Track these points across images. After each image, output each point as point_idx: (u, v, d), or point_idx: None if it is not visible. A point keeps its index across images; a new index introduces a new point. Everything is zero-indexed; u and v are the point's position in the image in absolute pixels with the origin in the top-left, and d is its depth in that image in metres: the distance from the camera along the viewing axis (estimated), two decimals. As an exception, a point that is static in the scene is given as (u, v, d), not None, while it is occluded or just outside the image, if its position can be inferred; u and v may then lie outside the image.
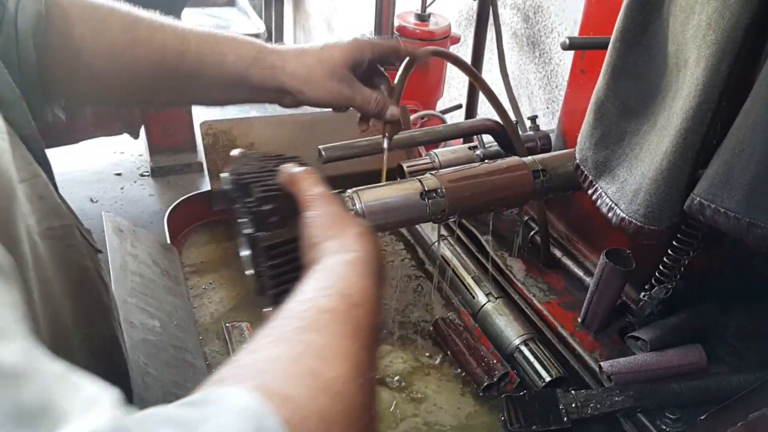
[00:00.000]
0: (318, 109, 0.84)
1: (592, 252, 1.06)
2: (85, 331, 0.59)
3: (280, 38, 4.97)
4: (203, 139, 1.15)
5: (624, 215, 0.67)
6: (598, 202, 0.72)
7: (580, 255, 1.07)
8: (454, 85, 2.41)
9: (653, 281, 0.89)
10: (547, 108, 1.93)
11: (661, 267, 0.87)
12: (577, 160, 0.76)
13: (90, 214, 2.77)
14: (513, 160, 0.81)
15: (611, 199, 0.69)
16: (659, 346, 0.86)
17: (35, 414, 0.30)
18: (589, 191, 0.74)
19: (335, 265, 0.54)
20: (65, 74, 0.76)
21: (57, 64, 0.74)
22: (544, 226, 1.03)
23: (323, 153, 0.92)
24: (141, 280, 0.86)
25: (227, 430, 0.32)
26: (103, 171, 3.17)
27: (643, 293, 0.90)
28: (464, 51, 2.27)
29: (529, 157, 0.82)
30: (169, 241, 1.05)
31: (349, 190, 0.76)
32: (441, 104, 2.28)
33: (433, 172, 0.79)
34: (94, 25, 0.75)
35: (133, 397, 0.67)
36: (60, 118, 0.77)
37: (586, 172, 0.74)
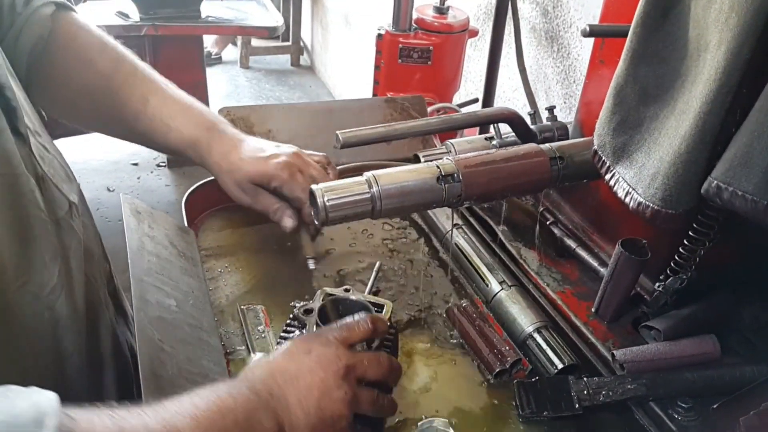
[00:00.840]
0: (314, 92, 0.95)
1: (607, 243, 1.06)
2: (27, 277, 0.62)
3: (297, 32, 5.00)
4: (221, 125, 1.16)
5: (641, 199, 0.67)
6: (616, 187, 0.72)
7: (594, 246, 1.07)
8: (471, 79, 2.41)
9: (668, 272, 0.89)
10: (564, 103, 1.93)
11: (676, 257, 0.86)
12: (596, 146, 0.76)
13: (107, 203, 2.82)
14: (530, 146, 0.82)
15: (629, 184, 0.69)
16: (673, 336, 0.86)
17: None
18: (607, 176, 0.74)
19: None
20: (46, 96, 0.87)
21: (42, 85, 0.85)
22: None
23: (341, 138, 0.93)
24: (158, 260, 0.87)
25: (13, 407, 0.42)
26: (120, 161, 3.23)
27: (657, 284, 0.90)
28: (482, 45, 2.28)
29: (547, 144, 0.83)
30: (185, 224, 1.07)
31: (367, 173, 0.77)
32: (457, 98, 2.28)
33: (450, 157, 0.80)
34: (81, 62, 0.86)
35: (141, 370, 0.69)
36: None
37: (604, 158, 0.74)
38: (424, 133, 0.97)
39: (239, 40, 5.03)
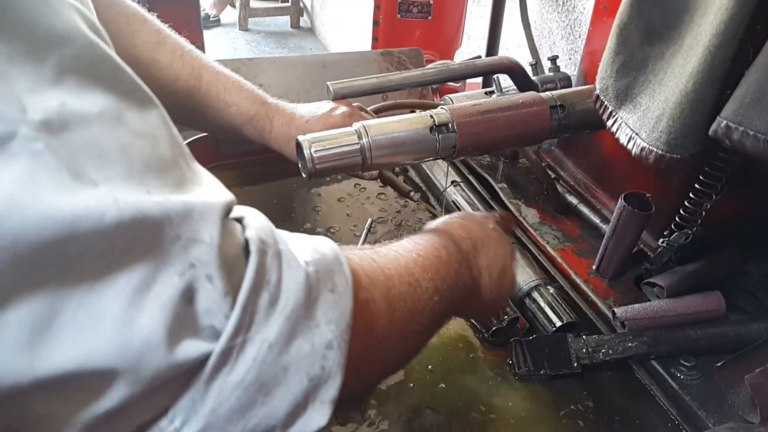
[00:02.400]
0: (321, 49, 0.90)
1: (610, 199, 1.02)
2: None
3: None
4: (211, 79, 1.12)
5: (645, 144, 0.63)
6: (618, 132, 0.68)
7: (597, 203, 1.04)
8: (473, 36, 2.34)
9: (673, 227, 0.85)
10: (570, 58, 1.87)
11: (681, 212, 0.83)
12: (598, 90, 0.72)
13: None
14: (529, 94, 0.78)
15: (632, 129, 0.66)
16: (676, 292, 0.83)
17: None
18: (609, 122, 0.70)
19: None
20: None
21: None
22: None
23: (332, 89, 0.89)
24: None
25: (318, 248, 0.45)
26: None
27: (661, 239, 0.87)
28: (485, 0, 2.20)
29: (548, 93, 0.79)
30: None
31: (356, 123, 0.73)
32: (459, 56, 2.22)
33: (445, 106, 0.76)
34: (124, 32, 0.81)
35: None
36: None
37: (606, 102, 0.70)
38: (420, 83, 0.92)
39: (238, 1, 4.92)
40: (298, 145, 0.70)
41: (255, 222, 0.42)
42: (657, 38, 0.63)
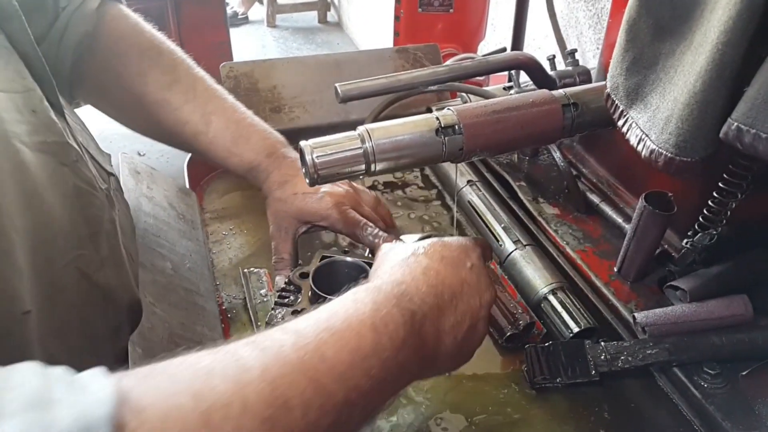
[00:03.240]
0: (342, 50, 0.88)
1: (633, 198, 0.98)
2: (76, 253, 0.58)
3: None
4: (224, 83, 1.12)
5: (654, 147, 0.59)
6: (629, 133, 0.65)
7: (620, 201, 1.00)
8: (498, 27, 2.29)
9: (696, 227, 0.81)
10: (597, 49, 1.82)
11: (705, 211, 0.79)
12: (608, 89, 0.68)
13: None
14: (541, 92, 0.75)
15: (642, 130, 0.62)
16: (700, 296, 0.79)
17: None
18: (620, 122, 0.67)
19: (346, 301, 0.50)
20: (95, 95, 0.85)
21: (91, 84, 0.82)
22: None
23: (340, 91, 0.87)
24: (155, 221, 0.84)
25: (52, 427, 0.31)
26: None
27: (685, 240, 0.83)
28: (508, -9, 2.15)
29: (560, 90, 0.75)
30: (188, 187, 1.03)
31: (360, 127, 0.71)
32: (483, 48, 2.17)
33: (452, 107, 0.73)
34: (134, 70, 0.82)
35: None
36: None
37: (617, 101, 0.67)
38: (431, 83, 0.90)
39: (266, -2, 4.94)
40: (300, 152, 0.69)
41: None
42: (667, 34, 0.60)
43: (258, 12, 5.16)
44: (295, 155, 0.88)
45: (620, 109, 0.67)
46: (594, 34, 1.85)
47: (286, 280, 0.77)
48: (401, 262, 0.58)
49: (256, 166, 0.87)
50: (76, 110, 0.79)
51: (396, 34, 1.95)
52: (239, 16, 4.94)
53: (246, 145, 0.87)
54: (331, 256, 0.78)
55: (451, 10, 1.88)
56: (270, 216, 0.88)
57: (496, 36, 2.36)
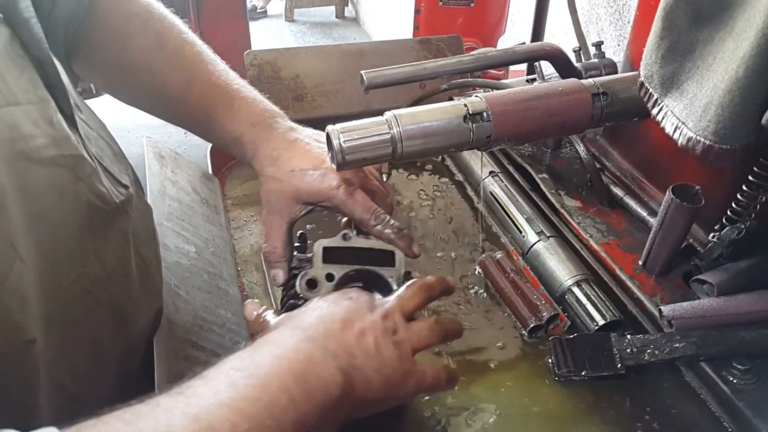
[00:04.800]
0: (366, 39, 0.84)
1: (658, 191, 0.97)
2: (80, 271, 0.55)
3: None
4: (248, 70, 1.12)
5: (691, 134, 0.58)
6: (663, 122, 0.64)
7: (644, 195, 0.99)
8: (518, 22, 2.28)
9: (724, 221, 0.80)
10: (618, 45, 1.80)
11: (733, 205, 0.78)
12: (642, 77, 0.67)
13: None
14: (570, 81, 0.74)
15: (678, 118, 0.61)
16: (728, 290, 0.78)
17: None
18: (654, 111, 0.66)
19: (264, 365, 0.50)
20: (89, 69, 0.80)
21: (84, 58, 0.77)
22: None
23: (365, 78, 0.87)
24: (179, 205, 0.84)
25: None
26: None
27: (712, 234, 0.82)
28: (530, -15, 2.14)
29: (590, 80, 0.74)
30: (211, 173, 1.04)
31: (388, 113, 0.71)
32: (503, 43, 2.16)
33: (480, 94, 0.73)
34: (121, 38, 0.77)
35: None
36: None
37: (651, 90, 0.66)
38: (456, 71, 0.89)
39: (284, -7, 4.95)
40: (327, 136, 0.68)
41: None
42: (706, 21, 0.58)
43: (276, 6, 5.17)
44: (288, 125, 0.79)
45: (654, 97, 0.66)
46: (615, 30, 1.83)
47: (292, 285, 0.71)
48: (288, 317, 0.61)
49: (239, 137, 0.77)
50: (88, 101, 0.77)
51: (416, 27, 1.94)
52: (258, 10, 4.96)
53: (228, 113, 0.78)
54: (337, 247, 0.72)
55: (472, 4, 1.87)
56: (263, 197, 0.78)
57: (515, 32, 2.34)
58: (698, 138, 0.58)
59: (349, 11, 5.15)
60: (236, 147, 0.78)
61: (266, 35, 4.70)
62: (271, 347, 0.52)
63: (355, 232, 0.74)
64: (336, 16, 5.12)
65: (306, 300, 0.66)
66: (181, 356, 0.63)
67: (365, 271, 0.71)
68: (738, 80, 0.53)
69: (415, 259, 0.75)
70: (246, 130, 0.77)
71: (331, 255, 0.71)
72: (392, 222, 0.74)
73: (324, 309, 0.59)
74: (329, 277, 0.69)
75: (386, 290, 0.71)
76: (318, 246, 0.71)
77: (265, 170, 0.76)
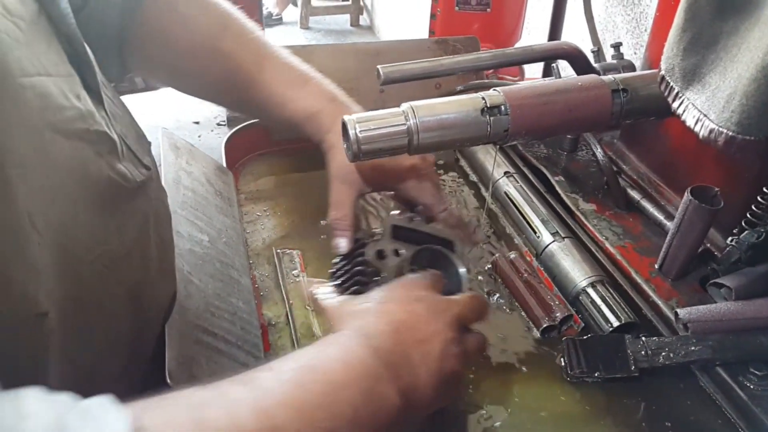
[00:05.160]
0: (381, 38, 0.84)
1: (675, 195, 0.96)
2: (102, 248, 0.54)
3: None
4: (264, 66, 1.12)
5: (713, 126, 0.57)
6: (684, 114, 0.63)
7: (661, 198, 0.98)
8: (533, 29, 2.28)
9: (743, 224, 0.79)
10: (635, 53, 1.79)
11: (753, 208, 0.77)
12: (663, 71, 0.66)
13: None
14: (590, 77, 0.73)
15: (699, 110, 0.60)
16: (746, 295, 0.76)
17: None
18: (675, 104, 0.65)
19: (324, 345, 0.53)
20: (145, 59, 0.79)
21: (139, 47, 0.76)
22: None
23: (382, 73, 0.87)
24: (193, 195, 0.84)
25: None
26: (182, 119, 3.28)
27: (730, 238, 0.81)
28: (547, -7, 2.14)
29: (609, 76, 0.74)
30: (225, 166, 1.04)
31: (405, 104, 0.70)
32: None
33: (499, 88, 0.72)
34: (181, 22, 0.76)
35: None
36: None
37: (672, 83, 0.65)
38: (474, 68, 0.89)
39: (299, 0, 4.98)
40: (343, 125, 0.68)
41: None
42: (731, 11, 0.58)
43: (292, 14, 5.21)
44: (358, 105, 0.81)
45: (675, 90, 0.65)
46: (632, 38, 1.82)
47: (356, 256, 0.71)
48: (353, 312, 0.60)
49: (317, 112, 0.77)
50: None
51: (431, 32, 1.94)
52: (274, 17, 4.99)
53: (304, 90, 0.78)
54: (403, 227, 0.73)
55: (488, 9, 1.87)
56: (333, 169, 0.78)
57: (531, 39, 2.34)
58: (721, 129, 0.57)
59: (363, 19, 5.18)
60: (311, 123, 0.78)
61: (281, 41, 4.72)
62: (339, 353, 0.52)
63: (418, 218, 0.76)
64: (351, 24, 5.15)
65: (372, 269, 0.69)
66: (192, 340, 0.62)
67: (433, 251, 0.73)
68: (764, 68, 0.52)
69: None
70: (325, 105, 0.78)
71: (398, 232, 0.73)
72: (455, 211, 0.77)
73: (393, 315, 0.58)
74: (396, 252, 0.71)
75: (450, 272, 0.72)
76: (388, 221, 0.73)
77: (340, 143, 0.76)
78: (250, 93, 0.79)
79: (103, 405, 0.37)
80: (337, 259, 0.74)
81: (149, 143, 0.70)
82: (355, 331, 0.55)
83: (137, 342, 0.62)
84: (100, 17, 0.70)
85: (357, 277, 0.69)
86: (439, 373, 0.56)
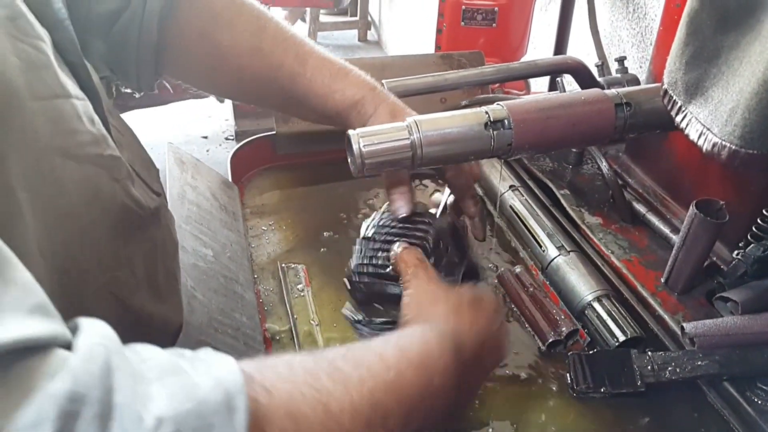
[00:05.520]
0: (389, 53, 0.85)
1: (681, 209, 0.96)
2: (110, 275, 0.54)
3: (365, 6, 4.95)
4: (271, 81, 1.13)
5: (717, 139, 0.57)
6: (687, 128, 0.63)
7: (667, 212, 0.97)
8: (539, 44, 2.29)
9: (749, 237, 0.79)
10: (640, 67, 1.79)
11: (759, 221, 0.76)
12: (666, 85, 0.67)
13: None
14: (593, 91, 0.73)
15: (702, 124, 0.60)
16: (753, 309, 0.76)
17: None
18: (678, 118, 0.65)
19: (404, 331, 0.57)
20: (181, 61, 0.80)
21: (175, 49, 0.77)
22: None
23: (387, 88, 0.87)
24: (198, 210, 0.84)
25: (196, 390, 0.33)
26: (191, 133, 3.30)
27: (736, 252, 0.80)
28: (553, 7, 2.15)
29: (613, 90, 0.74)
30: (231, 181, 1.04)
31: (409, 118, 0.71)
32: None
33: (502, 102, 0.73)
34: (219, 22, 0.77)
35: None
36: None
37: (674, 97, 0.65)
38: (478, 83, 0.89)
39: (308, 15, 5.02)
40: (348, 140, 0.68)
41: (79, 361, 0.30)
42: (732, 25, 0.58)
43: (300, 29, 5.25)
44: (394, 96, 0.82)
45: (678, 104, 0.65)
46: (638, 52, 1.82)
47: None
48: (453, 309, 0.63)
49: (360, 99, 0.78)
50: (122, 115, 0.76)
51: (437, 47, 1.95)
52: (281, 33, 5.03)
53: (346, 81, 0.80)
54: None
55: (494, 25, 1.87)
56: None
57: (536, 54, 2.35)
58: (724, 143, 0.57)
59: (371, 34, 5.21)
60: (355, 110, 0.79)
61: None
62: (436, 354, 0.55)
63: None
64: (359, 39, 5.18)
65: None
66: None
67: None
68: (765, 82, 0.52)
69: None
70: (367, 93, 0.79)
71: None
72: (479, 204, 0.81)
73: (480, 328, 0.62)
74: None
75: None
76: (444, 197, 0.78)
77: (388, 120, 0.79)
78: (294, 88, 0.80)
79: (211, 354, 0.39)
80: (383, 221, 0.76)
81: (157, 170, 0.71)
82: (451, 337, 0.58)
83: None
84: (140, 20, 0.71)
85: (421, 233, 0.72)
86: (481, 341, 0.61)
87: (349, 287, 0.72)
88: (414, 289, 0.65)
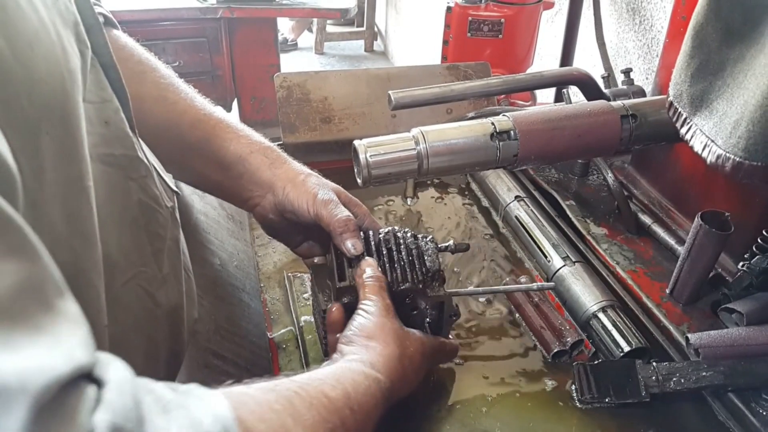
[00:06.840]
0: (395, 64, 0.85)
1: (686, 220, 0.96)
2: (137, 269, 0.56)
3: (371, 16, 4.98)
4: (277, 92, 1.14)
5: (721, 151, 0.58)
6: (692, 140, 0.63)
7: (672, 223, 0.98)
8: (545, 55, 2.29)
9: (754, 249, 0.79)
10: (647, 78, 1.80)
11: (764, 232, 0.77)
12: (671, 97, 0.67)
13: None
14: (599, 103, 0.74)
15: (707, 136, 0.61)
16: (758, 320, 0.76)
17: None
18: (683, 130, 0.65)
19: (353, 372, 0.59)
20: None
21: None
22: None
23: (393, 98, 0.88)
24: (205, 219, 0.85)
25: (201, 425, 0.36)
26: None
27: (741, 263, 0.80)
28: (559, 18, 2.16)
29: (618, 102, 0.74)
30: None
31: (415, 129, 0.71)
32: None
33: (507, 113, 0.73)
34: (134, 72, 0.77)
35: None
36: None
37: (680, 109, 0.65)
38: (484, 94, 0.90)
39: (315, 26, 5.06)
40: (354, 150, 0.69)
41: (114, 395, 0.31)
42: (737, 39, 0.58)
43: (307, 39, 5.28)
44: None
45: (683, 116, 0.65)
46: (644, 64, 1.83)
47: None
48: (396, 361, 0.65)
49: (269, 147, 0.80)
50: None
51: (444, 58, 1.97)
52: (289, 43, 5.06)
53: (254, 134, 0.81)
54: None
55: (500, 36, 1.89)
56: (313, 187, 0.76)
57: (542, 65, 2.35)
58: (728, 155, 0.57)
59: (377, 45, 5.24)
60: (262, 153, 0.80)
61: (296, 66, 4.79)
62: (366, 389, 0.59)
63: None
64: (365, 50, 5.21)
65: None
66: (202, 364, 0.63)
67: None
68: (770, 95, 0.52)
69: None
70: (269, 146, 0.81)
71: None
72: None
73: (412, 363, 0.67)
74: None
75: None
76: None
77: (303, 169, 0.79)
78: (196, 131, 0.81)
79: (201, 389, 0.41)
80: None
81: (170, 174, 0.72)
82: (388, 391, 0.62)
83: (172, 364, 0.63)
84: None
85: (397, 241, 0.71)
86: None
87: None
88: (366, 317, 0.66)
